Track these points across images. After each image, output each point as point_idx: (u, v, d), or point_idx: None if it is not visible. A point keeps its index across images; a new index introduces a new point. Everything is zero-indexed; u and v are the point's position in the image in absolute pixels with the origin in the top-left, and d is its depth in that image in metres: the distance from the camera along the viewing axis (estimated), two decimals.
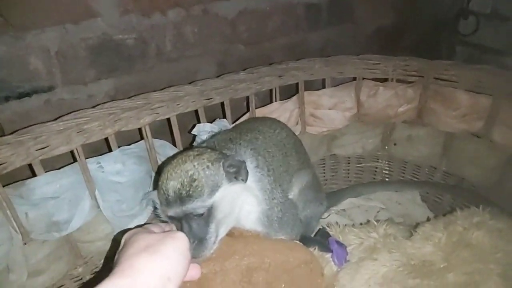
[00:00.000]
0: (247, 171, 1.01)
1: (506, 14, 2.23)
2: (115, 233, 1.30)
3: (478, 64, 1.56)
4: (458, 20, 2.44)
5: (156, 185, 1.02)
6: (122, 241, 0.77)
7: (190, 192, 0.92)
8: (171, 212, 0.94)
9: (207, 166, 0.95)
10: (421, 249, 1.15)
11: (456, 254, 1.10)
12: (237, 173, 0.99)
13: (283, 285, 1.04)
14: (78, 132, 1.18)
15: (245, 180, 1.00)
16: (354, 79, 1.69)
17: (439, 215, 1.55)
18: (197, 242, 0.92)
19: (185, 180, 0.92)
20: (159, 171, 1.05)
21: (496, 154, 1.55)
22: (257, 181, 1.07)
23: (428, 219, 1.35)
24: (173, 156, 1.02)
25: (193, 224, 0.93)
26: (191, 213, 0.93)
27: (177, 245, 0.75)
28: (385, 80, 1.69)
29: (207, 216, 0.94)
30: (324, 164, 1.89)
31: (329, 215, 1.73)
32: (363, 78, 1.68)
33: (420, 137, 1.75)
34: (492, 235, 1.11)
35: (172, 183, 0.93)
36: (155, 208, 1.05)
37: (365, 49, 1.78)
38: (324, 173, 1.91)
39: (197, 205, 0.92)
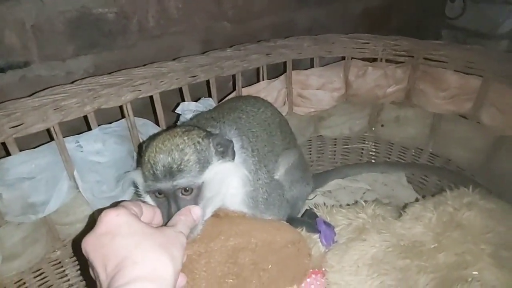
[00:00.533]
0: (234, 151, 1.00)
1: None
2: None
3: None
4: (445, 3, 2.43)
5: (139, 162, 0.97)
6: (103, 224, 0.68)
7: (181, 167, 0.89)
8: (160, 186, 0.89)
9: (198, 142, 0.93)
10: (411, 229, 1.14)
11: (447, 234, 1.09)
12: (224, 152, 0.97)
13: (270, 265, 1.03)
14: (55, 109, 1.13)
15: (232, 159, 0.98)
16: (343, 58, 1.67)
17: (425, 196, 1.55)
18: None
19: (176, 154, 0.89)
20: (140, 149, 1.00)
21: (484, 136, 1.54)
22: (242, 162, 1.05)
23: (417, 200, 1.34)
24: (158, 134, 0.98)
25: (181, 203, 0.89)
26: (181, 189, 0.90)
27: (182, 249, 0.71)
28: (374, 60, 1.67)
29: (196, 195, 0.91)
30: (310, 145, 1.87)
31: (315, 196, 1.72)
32: (352, 58, 1.65)
33: (408, 118, 1.74)
34: (483, 216, 1.11)
35: (162, 156, 0.89)
36: (136, 188, 1.01)
37: (353, 30, 1.75)
38: (310, 154, 1.89)
39: (187, 181, 0.89)
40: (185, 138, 0.92)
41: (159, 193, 0.92)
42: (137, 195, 1.00)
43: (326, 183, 1.79)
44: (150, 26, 1.50)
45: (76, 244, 1.29)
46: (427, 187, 1.79)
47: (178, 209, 0.88)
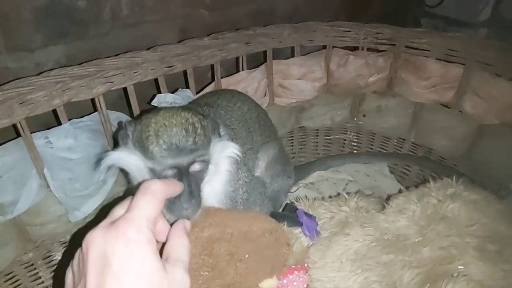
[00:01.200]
0: (220, 133, 0.98)
1: None
2: (68, 215, 1.21)
3: None
4: None
5: (124, 142, 0.92)
6: (117, 238, 0.59)
7: (196, 140, 0.86)
8: (177, 161, 0.85)
9: (201, 118, 0.91)
10: (394, 223, 1.12)
11: (431, 227, 1.07)
12: (214, 134, 0.95)
13: (247, 255, 0.99)
14: (20, 103, 1.06)
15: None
16: (324, 47, 1.63)
17: (407, 186, 1.55)
18: (193, 201, 0.85)
19: (189, 127, 0.86)
20: (122, 129, 0.93)
21: (466, 125, 1.54)
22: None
23: (400, 191, 1.32)
24: (147, 113, 0.92)
25: (191, 181, 0.86)
26: (194, 162, 0.87)
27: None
28: (356, 48, 1.64)
29: (203, 172, 0.90)
30: (292, 137, 1.85)
31: (297, 189, 1.70)
32: (333, 47, 1.62)
33: (390, 108, 1.73)
34: (468, 207, 1.09)
35: (175, 130, 0.84)
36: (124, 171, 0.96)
37: (334, 18, 1.71)
38: (292, 146, 1.87)
39: (203, 154, 0.88)
40: (191, 114, 0.89)
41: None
42: (128, 181, 0.95)
43: (308, 175, 1.77)
44: (124, 14, 1.44)
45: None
46: (410, 177, 1.78)
47: (190, 186, 0.85)
